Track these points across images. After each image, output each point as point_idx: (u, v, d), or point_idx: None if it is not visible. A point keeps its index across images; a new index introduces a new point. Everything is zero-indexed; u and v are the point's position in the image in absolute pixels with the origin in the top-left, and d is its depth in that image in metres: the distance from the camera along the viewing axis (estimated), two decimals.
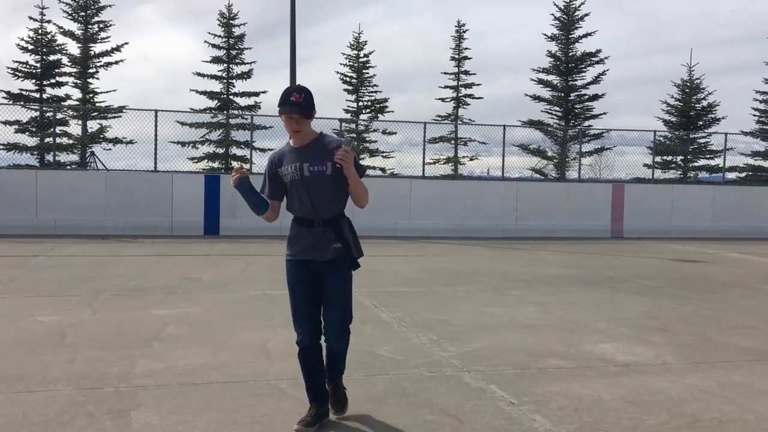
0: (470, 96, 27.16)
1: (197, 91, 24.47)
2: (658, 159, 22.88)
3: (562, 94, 26.84)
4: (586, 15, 26.34)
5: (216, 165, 22.79)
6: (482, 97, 27.31)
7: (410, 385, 4.54)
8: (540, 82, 26.86)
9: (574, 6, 26.38)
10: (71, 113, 22.30)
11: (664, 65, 66.37)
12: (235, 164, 3.64)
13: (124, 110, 19.80)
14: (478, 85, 27.17)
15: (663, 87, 66.41)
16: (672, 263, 12.01)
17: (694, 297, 8.38)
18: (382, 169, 23.71)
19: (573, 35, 26.56)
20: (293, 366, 4.86)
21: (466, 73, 27.13)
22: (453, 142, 24.80)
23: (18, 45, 22.70)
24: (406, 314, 6.88)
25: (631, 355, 5.47)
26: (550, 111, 26.98)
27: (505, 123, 17.54)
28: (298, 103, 3.60)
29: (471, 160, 24.55)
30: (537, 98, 26.82)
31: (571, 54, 26.66)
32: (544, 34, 26.69)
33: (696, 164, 26.25)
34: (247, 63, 25.01)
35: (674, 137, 25.25)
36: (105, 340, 5.54)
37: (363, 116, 26.18)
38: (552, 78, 26.91)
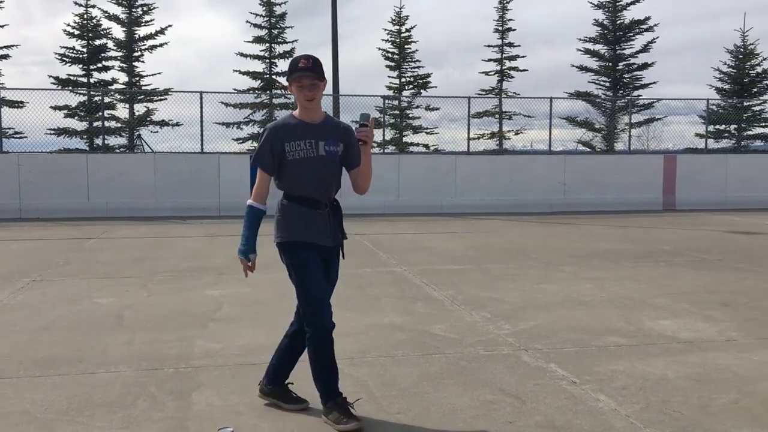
0: (515, 69, 26.66)
1: (240, 72, 24.55)
2: (710, 128, 22.09)
3: (610, 64, 26.15)
4: None
5: None
6: (527, 70, 26.83)
7: (467, 365, 4.47)
8: (587, 52, 26.20)
9: None
10: (118, 97, 22.66)
11: (716, 31, 64.10)
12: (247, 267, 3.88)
13: (169, 93, 20.05)
14: (522, 57, 26.59)
15: (715, 54, 64.38)
16: (729, 235, 11.65)
17: (755, 270, 8.11)
18: (426, 146, 23.53)
19: (621, 2, 25.78)
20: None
21: (510, 45, 26.60)
22: (497, 116, 24.42)
23: (64, 30, 23.01)
24: (458, 292, 6.80)
25: (694, 332, 5.31)
26: (597, 81, 26.39)
27: (551, 95, 17.16)
28: (307, 67, 3.46)
29: (516, 134, 24.17)
30: (584, 69, 26.22)
31: (618, 22, 25.88)
32: (590, 2, 25.96)
33: (750, 133, 25.37)
34: (289, 42, 24.98)
35: (727, 105, 24.40)
36: (162, 322, 5.61)
37: (405, 92, 25.97)
38: (599, 47, 26.26)
